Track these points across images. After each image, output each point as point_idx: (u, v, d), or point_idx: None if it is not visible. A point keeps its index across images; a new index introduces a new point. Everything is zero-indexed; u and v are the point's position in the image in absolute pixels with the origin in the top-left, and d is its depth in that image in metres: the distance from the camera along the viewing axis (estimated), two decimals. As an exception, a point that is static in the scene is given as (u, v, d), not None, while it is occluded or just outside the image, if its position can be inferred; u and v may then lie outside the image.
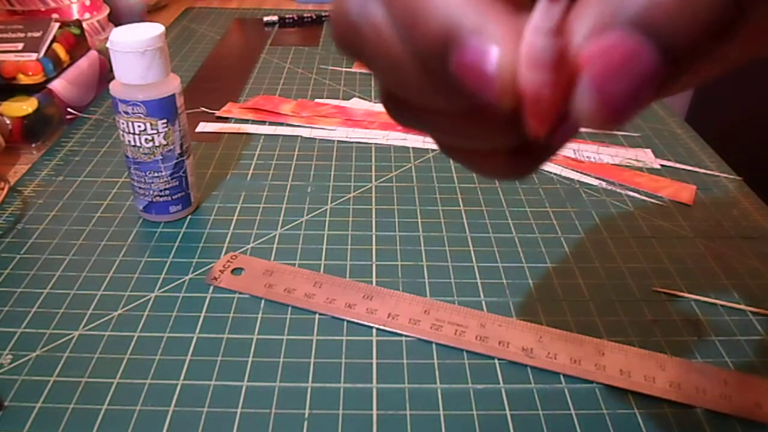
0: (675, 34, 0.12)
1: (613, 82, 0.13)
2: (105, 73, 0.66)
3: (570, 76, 0.13)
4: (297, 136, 0.58)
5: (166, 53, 0.41)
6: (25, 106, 0.53)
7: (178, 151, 0.43)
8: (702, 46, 0.13)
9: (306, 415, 0.31)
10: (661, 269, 0.42)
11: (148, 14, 0.90)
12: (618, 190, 0.50)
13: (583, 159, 0.55)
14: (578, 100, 0.13)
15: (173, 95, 0.41)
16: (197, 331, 0.36)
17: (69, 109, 0.59)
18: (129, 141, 0.42)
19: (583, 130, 0.16)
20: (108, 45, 0.39)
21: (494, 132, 0.17)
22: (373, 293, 0.38)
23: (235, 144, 0.56)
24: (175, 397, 0.32)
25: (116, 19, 0.80)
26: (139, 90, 0.40)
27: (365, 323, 0.36)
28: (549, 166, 0.53)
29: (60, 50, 0.58)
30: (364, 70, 0.72)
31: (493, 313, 0.37)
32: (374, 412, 0.31)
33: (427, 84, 0.16)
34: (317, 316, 0.37)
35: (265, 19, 0.89)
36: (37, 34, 0.58)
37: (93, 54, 0.64)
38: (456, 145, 0.18)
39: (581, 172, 0.53)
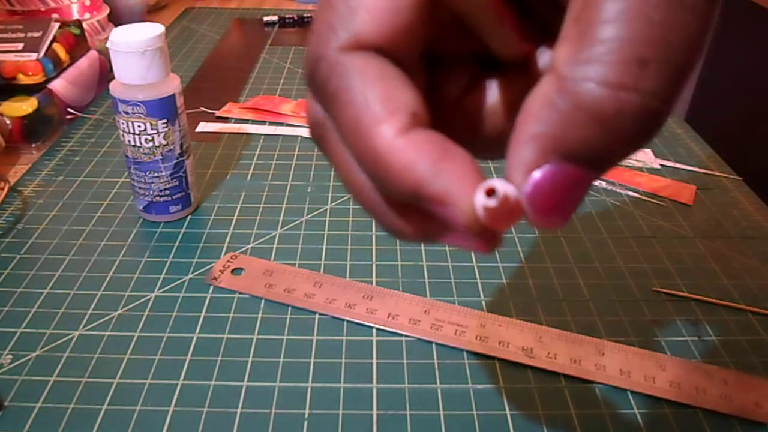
0: (604, 156, 0.14)
1: (556, 205, 0.15)
2: (105, 73, 0.66)
3: (519, 212, 0.15)
4: (297, 136, 0.58)
5: (166, 53, 0.41)
6: (25, 106, 0.53)
7: (178, 151, 0.43)
8: (627, 155, 0.15)
9: (306, 415, 0.31)
10: (661, 269, 0.42)
11: (148, 14, 0.90)
12: (618, 190, 0.50)
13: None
14: (532, 222, 0.16)
15: (173, 95, 0.41)
16: (197, 331, 0.36)
17: (69, 109, 0.59)
18: (129, 141, 0.42)
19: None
20: (108, 45, 0.39)
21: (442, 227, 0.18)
22: (373, 293, 0.38)
23: (235, 144, 0.56)
24: (175, 397, 0.32)
25: (116, 19, 0.80)
26: (139, 90, 0.40)
27: (365, 323, 0.36)
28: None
29: (60, 50, 0.58)
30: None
31: (493, 313, 0.37)
32: (374, 412, 0.31)
33: (383, 204, 0.18)
34: (317, 316, 0.37)
35: (265, 19, 0.89)
36: (37, 34, 0.58)
37: (93, 54, 0.64)
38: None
39: (581, 172, 0.53)
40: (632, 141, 0.14)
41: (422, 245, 0.43)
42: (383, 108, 0.16)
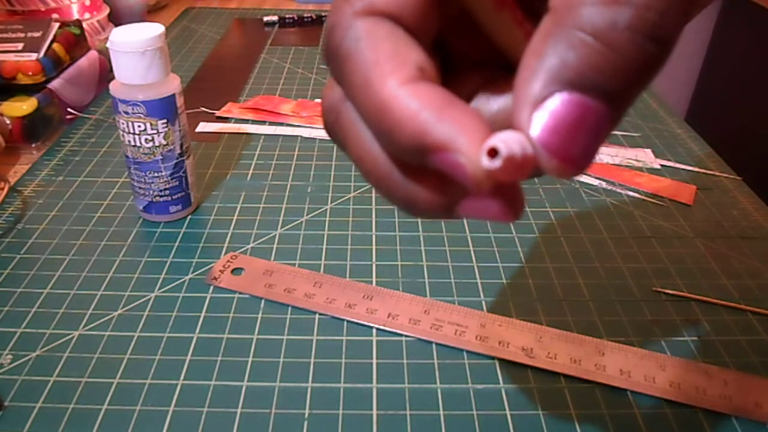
0: (610, 81, 0.14)
1: (572, 145, 0.14)
2: (105, 73, 0.66)
3: (531, 163, 0.15)
4: (297, 136, 0.58)
5: (166, 53, 0.41)
6: (25, 106, 0.53)
7: (178, 151, 0.43)
8: (637, 82, 0.14)
9: (306, 415, 0.31)
10: (661, 269, 0.42)
11: (148, 14, 0.90)
12: (618, 190, 0.50)
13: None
14: (546, 168, 0.15)
15: (173, 95, 0.41)
16: (197, 331, 0.36)
17: (69, 109, 0.59)
18: (129, 141, 0.42)
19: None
20: (108, 45, 0.39)
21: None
22: (373, 293, 0.38)
23: (235, 144, 0.56)
24: (175, 397, 0.32)
25: (116, 19, 0.80)
26: (139, 90, 0.40)
27: (365, 323, 0.36)
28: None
29: (60, 50, 0.58)
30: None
31: (493, 313, 0.37)
32: (374, 412, 0.31)
33: (398, 175, 0.18)
34: (317, 316, 0.37)
35: (265, 19, 0.89)
36: (37, 34, 0.58)
37: (93, 54, 0.64)
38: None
39: (581, 172, 0.53)
40: (636, 61, 0.14)
41: (422, 245, 0.43)
42: (390, 62, 0.16)
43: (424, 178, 0.17)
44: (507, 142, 0.14)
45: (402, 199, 0.18)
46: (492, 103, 0.19)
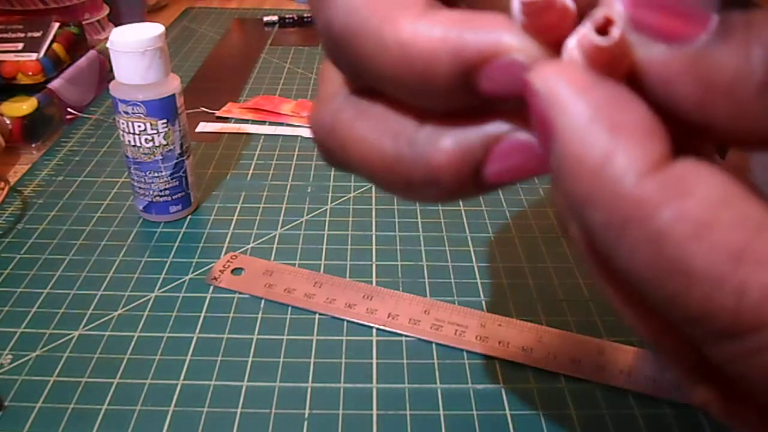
0: None
1: None
2: (105, 73, 0.66)
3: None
4: (297, 136, 0.58)
5: (166, 53, 0.41)
6: (25, 106, 0.53)
7: (178, 151, 0.43)
8: None
9: (306, 415, 0.31)
10: (661, 269, 0.42)
11: (148, 14, 0.90)
12: (618, 190, 0.50)
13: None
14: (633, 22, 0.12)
15: (173, 95, 0.41)
16: (197, 331, 0.36)
17: (69, 109, 0.59)
18: (129, 141, 0.42)
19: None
20: (108, 45, 0.39)
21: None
22: (373, 293, 0.38)
23: (235, 144, 0.56)
24: (175, 397, 0.32)
25: (116, 19, 0.80)
26: (139, 90, 0.40)
27: (365, 323, 0.36)
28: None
29: (60, 50, 0.58)
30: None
31: (493, 313, 0.37)
32: (374, 412, 0.31)
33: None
34: (317, 316, 0.37)
35: (265, 19, 0.89)
36: (37, 34, 0.58)
37: (93, 54, 0.64)
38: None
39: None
40: None
41: (422, 245, 0.43)
42: (397, 5, 0.14)
43: (445, 132, 0.15)
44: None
45: (420, 178, 0.15)
46: None
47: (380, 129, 0.16)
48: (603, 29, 0.12)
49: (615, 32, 0.11)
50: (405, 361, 0.34)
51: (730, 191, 0.11)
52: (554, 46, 0.13)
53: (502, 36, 0.13)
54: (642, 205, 0.11)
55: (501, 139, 0.14)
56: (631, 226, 0.11)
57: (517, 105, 0.13)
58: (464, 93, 0.14)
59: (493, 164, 0.14)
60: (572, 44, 0.12)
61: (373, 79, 0.15)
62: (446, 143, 0.15)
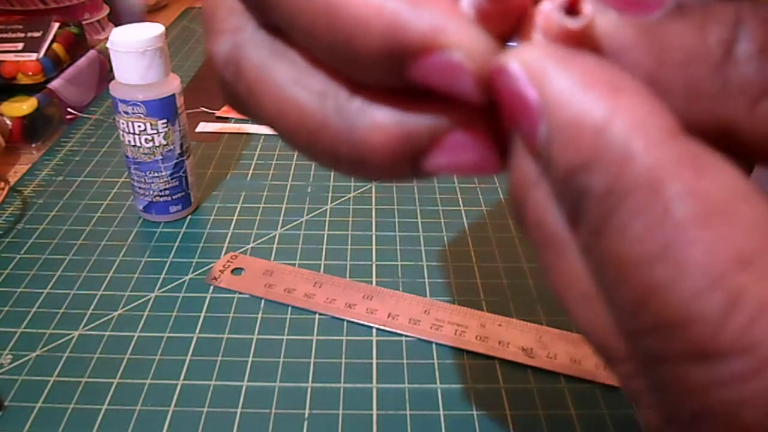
0: None
1: None
2: (105, 73, 0.66)
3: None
4: (297, 136, 0.58)
5: (166, 53, 0.41)
6: (25, 106, 0.53)
7: (178, 151, 0.43)
8: None
9: (306, 415, 0.31)
10: (661, 269, 0.42)
11: (148, 14, 0.90)
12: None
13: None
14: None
15: (173, 95, 0.41)
16: (197, 331, 0.36)
17: (69, 109, 0.59)
18: (129, 141, 0.42)
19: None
20: (108, 45, 0.39)
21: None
22: (373, 293, 0.38)
23: (235, 144, 0.56)
24: (175, 397, 0.32)
25: (116, 19, 0.80)
26: (139, 90, 0.40)
27: (365, 323, 0.36)
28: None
29: (60, 50, 0.58)
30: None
31: (493, 313, 0.37)
32: (374, 412, 0.31)
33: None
34: (317, 316, 0.37)
35: (265, 19, 0.89)
36: (37, 34, 0.58)
37: (93, 54, 0.64)
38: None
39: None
40: None
41: (422, 245, 0.43)
42: None
43: (383, 107, 0.13)
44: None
45: (348, 154, 0.13)
46: None
47: (301, 82, 0.13)
48: (571, 7, 0.11)
49: (587, 9, 0.11)
50: (405, 361, 0.34)
51: (750, 188, 0.09)
52: (509, 33, 0.12)
53: (447, 25, 0.11)
54: (652, 170, 0.09)
55: (453, 130, 0.12)
56: (633, 195, 0.09)
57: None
58: (391, 75, 0.12)
59: (439, 156, 0.13)
60: (538, 29, 0.11)
61: (284, 24, 0.13)
62: (385, 122, 0.12)
